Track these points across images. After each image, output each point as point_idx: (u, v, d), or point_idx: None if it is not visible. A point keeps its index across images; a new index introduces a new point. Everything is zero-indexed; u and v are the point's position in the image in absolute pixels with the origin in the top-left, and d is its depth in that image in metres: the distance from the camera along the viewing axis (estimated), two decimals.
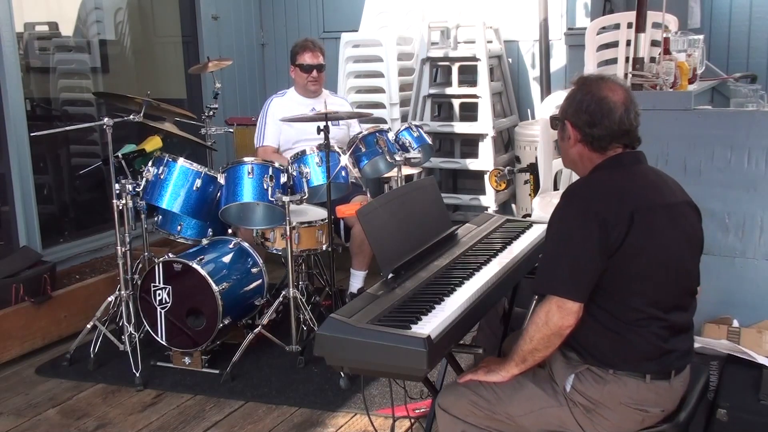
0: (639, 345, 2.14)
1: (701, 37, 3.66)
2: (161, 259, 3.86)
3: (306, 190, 3.87)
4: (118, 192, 3.82)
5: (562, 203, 2.19)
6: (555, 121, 2.35)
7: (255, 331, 3.86)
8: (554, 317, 2.09)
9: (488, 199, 5.52)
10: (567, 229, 2.14)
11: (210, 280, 3.74)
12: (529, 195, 4.75)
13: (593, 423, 2.19)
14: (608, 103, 2.19)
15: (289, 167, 3.88)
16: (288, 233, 3.85)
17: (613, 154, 2.24)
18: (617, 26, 4.76)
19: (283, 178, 3.82)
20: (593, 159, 2.26)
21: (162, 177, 3.88)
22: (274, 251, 4.11)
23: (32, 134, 4.56)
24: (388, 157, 4.17)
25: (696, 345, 2.39)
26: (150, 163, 3.92)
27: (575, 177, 4.80)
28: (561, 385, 2.22)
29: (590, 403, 2.18)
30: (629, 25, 4.44)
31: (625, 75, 3.68)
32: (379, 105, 5.64)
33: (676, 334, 2.20)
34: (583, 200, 2.16)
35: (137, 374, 3.77)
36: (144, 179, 3.89)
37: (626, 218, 2.09)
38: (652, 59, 3.56)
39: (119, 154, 3.92)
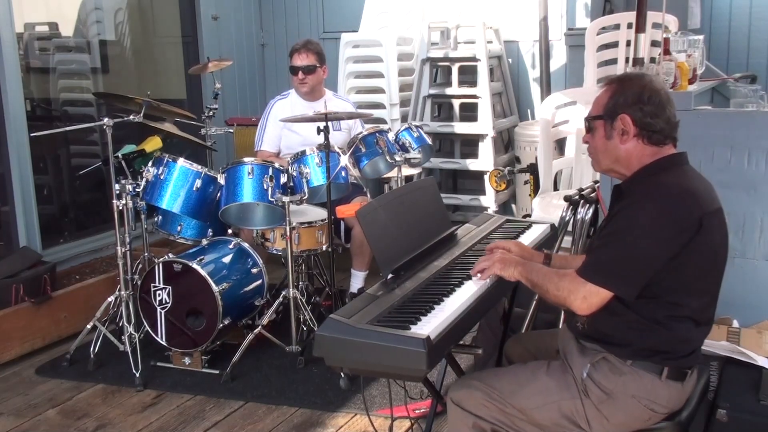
0: (666, 341, 2.16)
1: (701, 37, 3.65)
2: (161, 259, 3.86)
3: (306, 190, 3.88)
4: (118, 192, 3.82)
5: (637, 204, 2.15)
6: (596, 120, 2.27)
7: (255, 331, 3.86)
8: (577, 298, 2.13)
9: (488, 200, 5.52)
10: (637, 229, 2.12)
11: (210, 281, 3.74)
12: (529, 195, 4.75)
13: (601, 416, 2.19)
14: (664, 95, 2.21)
15: (289, 167, 3.88)
16: (288, 233, 3.85)
17: (667, 154, 2.23)
18: (617, 26, 4.76)
19: (283, 179, 3.82)
20: (644, 156, 2.22)
21: (162, 177, 3.88)
22: (274, 251, 4.11)
23: (32, 134, 4.55)
24: (388, 158, 4.17)
25: None
26: (150, 164, 3.92)
27: (576, 177, 4.79)
28: (578, 375, 2.23)
29: (603, 393, 2.19)
30: (629, 26, 4.45)
31: None
32: (379, 105, 5.64)
33: (700, 334, 2.24)
34: (659, 204, 2.13)
35: (137, 374, 3.77)
36: (144, 179, 3.89)
37: (696, 222, 2.10)
38: (652, 59, 3.55)
39: (119, 154, 3.92)
